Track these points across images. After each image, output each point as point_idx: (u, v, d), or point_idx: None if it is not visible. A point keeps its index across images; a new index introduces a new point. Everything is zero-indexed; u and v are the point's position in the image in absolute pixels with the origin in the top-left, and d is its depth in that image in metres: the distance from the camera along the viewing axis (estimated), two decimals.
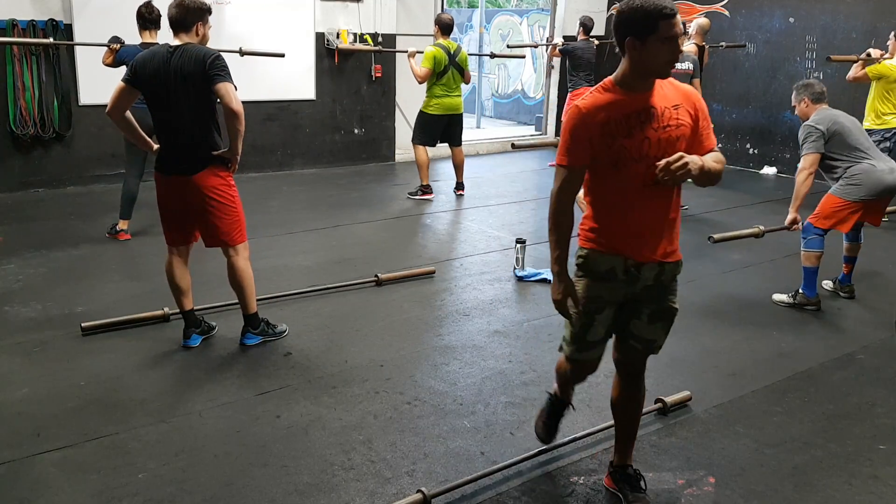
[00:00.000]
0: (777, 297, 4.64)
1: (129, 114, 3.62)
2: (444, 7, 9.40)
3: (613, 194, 2.29)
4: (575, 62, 8.54)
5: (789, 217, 4.47)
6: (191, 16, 3.44)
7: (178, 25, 3.46)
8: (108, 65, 5.28)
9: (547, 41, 10.56)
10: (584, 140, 2.21)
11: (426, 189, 7.06)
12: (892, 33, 6.48)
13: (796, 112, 4.58)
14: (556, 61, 10.11)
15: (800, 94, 4.51)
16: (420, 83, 6.87)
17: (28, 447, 2.83)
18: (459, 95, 7.04)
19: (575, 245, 2.41)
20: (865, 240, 4.83)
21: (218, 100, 3.41)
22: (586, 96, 2.26)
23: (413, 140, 7.09)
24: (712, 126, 2.38)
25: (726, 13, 9.16)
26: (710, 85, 9.07)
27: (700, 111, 2.30)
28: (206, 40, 3.54)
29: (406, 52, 7.22)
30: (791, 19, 8.64)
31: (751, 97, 9.05)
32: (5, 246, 5.23)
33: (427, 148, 7.02)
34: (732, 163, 9.21)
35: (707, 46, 7.33)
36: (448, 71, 6.83)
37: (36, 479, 2.65)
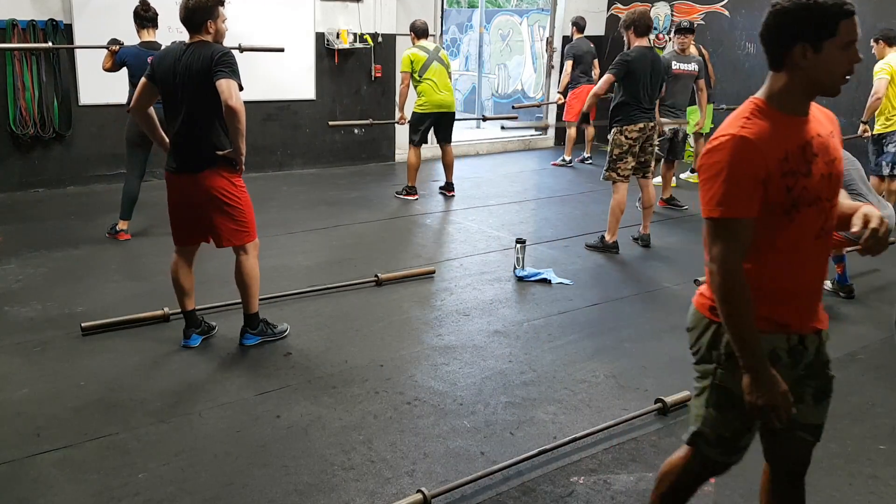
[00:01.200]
0: None
1: (151, 110, 3.65)
2: (444, 7, 9.41)
3: (779, 252, 1.78)
4: (578, 60, 8.78)
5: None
6: (197, 15, 3.43)
7: (188, 26, 3.46)
8: (108, 69, 5.27)
9: (547, 42, 10.56)
10: (756, 181, 1.68)
11: (411, 190, 7.07)
12: (873, 39, 6.49)
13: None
14: (556, 61, 10.11)
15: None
16: (405, 89, 6.91)
17: (28, 447, 2.83)
18: (450, 93, 7.02)
19: (693, 316, 1.97)
20: None
21: None
22: (745, 123, 1.73)
23: (409, 140, 7.12)
24: None
25: (726, 13, 9.16)
26: (710, 85, 9.07)
27: (841, 139, 1.91)
28: (221, 35, 3.52)
29: (397, 121, 7.38)
30: None
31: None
32: (5, 246, 5.22)
33: (421, 151, 7.06)
34: None
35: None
36: (430, 65, 6.82)
37: (36, 479, 2.65)
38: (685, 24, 6.90)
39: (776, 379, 1.75)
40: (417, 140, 6.97)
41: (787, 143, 1.72)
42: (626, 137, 5.42)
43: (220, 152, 3.47)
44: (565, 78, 8.96)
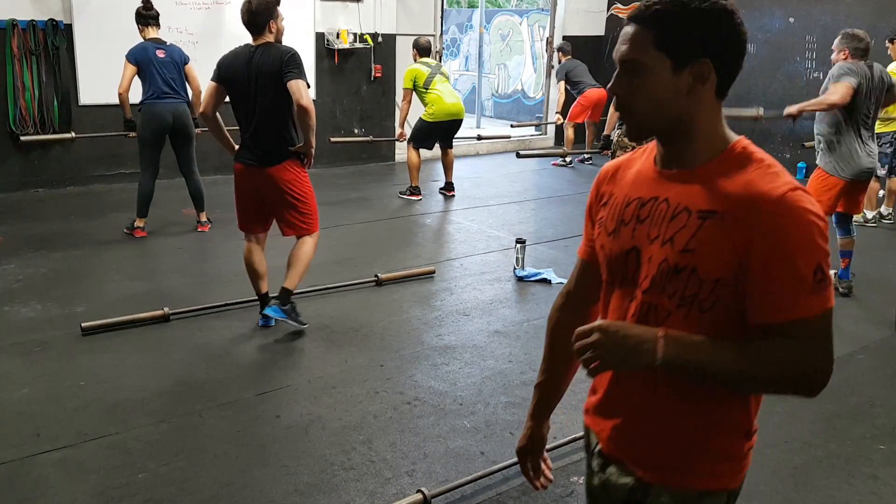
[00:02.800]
0: None
1: (217, 114, 3.76)
2: (444, 7, 9.42)
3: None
4: (573, 80, 8.82)
5: (792, 108, 4.45)
6: (260, 17, 3.58)
7: (251, 28, 3.62)
8: (130, 81, 5.31)
9: (547, 42, 10.56)
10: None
11: (415, 190, 7.08)
12: (887, 40, 6.47)
13: (832, 58, 4.54)
14: (556, 61, 10.10)
15: (843, 43, 4.46)
16: (406, 106, 7.03)
17: (28, 447, 2.83)
18: (458, 100, 7.10)
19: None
20: (864, 239, 4.84)
21: None
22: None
23: (409, 140, 7.12)
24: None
25: None
26: None
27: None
28: (281, 34, 3.69)
29: (398, 138, 7.53)
30: (791, 19, 8.63)
31: (751, 97, 9.03)
32: (5, 246, 5.22)
33: (420, 151, 7.09)
34: None
35: None
36: (433, 78, 6.91)
37: (36, 479, 2.65)
38: None
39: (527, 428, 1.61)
40: (419, 143, 7.02)
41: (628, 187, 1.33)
42: (630, 139, 5.40)
43: (293, 148, 3.68)
44: (560, 98, 9.08)
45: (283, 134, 3.67)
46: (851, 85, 4.27)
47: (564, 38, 9.84)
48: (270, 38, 3.63)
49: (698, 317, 1.19)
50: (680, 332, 1.17)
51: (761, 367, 1.15)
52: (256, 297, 3.94)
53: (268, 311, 3.84)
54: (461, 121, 7.16)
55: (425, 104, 6.98)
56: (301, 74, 3.55)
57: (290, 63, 3.53)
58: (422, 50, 7.08)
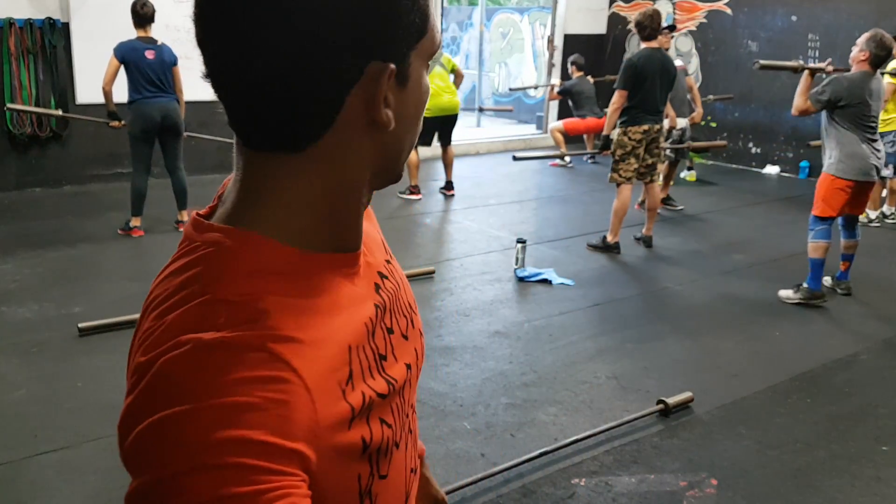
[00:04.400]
0: (783, 293, 4.61)
1: None
2: (444, 5, 9.39)
3: None
4: (575, 99, 8.61)
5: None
6: None
7: None
8: (113, 77, 5.29)
9: (548, 40, 10.54)
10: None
11: (414, 189, 7.06)
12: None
13: (852, 56, 4.46)
14: (557, 60, 10.08)
15: (868, 45, 4.37)
16: None
17: (25, 449, 2.81)
18: (453, 95, 7.03)
19: None
20: (867, 239, 4.81)
21: None
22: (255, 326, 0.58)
23: None
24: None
25: (729, 11, 9.13)
26: (712, 83, 9.06)
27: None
28: None
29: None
30: (793, 17, 8.61)
31: (753, 96, 9.02)
32: (1, 246, 5.20)
33: (420, 149, 7.07)
34: (734, 162, 9.19)
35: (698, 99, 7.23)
36: (433, 69, 6.85)
37: (33, 481, 2.63)
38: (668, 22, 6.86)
39: None
40: (420, 142, 6.97)
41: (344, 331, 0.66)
42: (630, 138, 5.36)
43: None
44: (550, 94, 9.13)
45: None
46: (818, 104, 4.36)
47: (566, 35, 9.81)
48: None
49: None
50: None
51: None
52: None
53: None
54: (456, 116, 7.12)
55: None
56: None
57: None
58: None
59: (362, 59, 0.61)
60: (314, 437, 0.57)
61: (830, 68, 4.60)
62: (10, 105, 6.15)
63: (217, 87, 0.64)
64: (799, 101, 4.44)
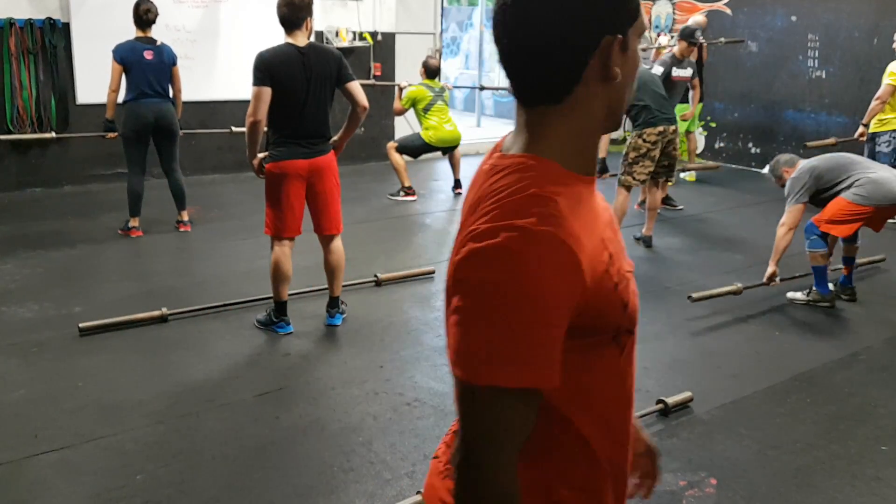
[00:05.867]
0: (791, 294, 4.61)
1: None
2: (444, 5, 9.38)
3: (607, 401, 1.05)
4: None
5: (768, 271, 4.49)
6: (302, 13, 3.62)
7: (290, 24, 3.64)
8: (119, 79, 5.30)
9: None
10: (566, 312, 0.91)
11: (409, 190, 7.05)
12: None
13: (781, 183, 4.61)
14: None
15: (778, 168, 4.60)
16: (395, 115, 7.21)
17: (25, 449, 2.81)
18: (455, 127, 7.14)
19: None
20: (867, 240, 4.81)
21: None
22: (545, 207, 0.91)
23: (394, 141, 7.15)
24: None
25: (728, 11, 9.13)
26: (711, 83, 9.05)
27: None
28: (311, 31, 3.75)
29: (397, 85, 7.52)
30: (793, 17, 8.61)
31: (753, 96, 9.02)
32: (1, 246, 5.20)
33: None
34: (734, 162, 9.19)
35: (706, 43, 7.28)
36: (434, 104, 6.95)
37: (33, 481, 2.63)
38: (698, 34, 6.53)
39: None
40: (406, 151, 7.06)
41: (598, 220, 1.00)
42: (645, 140, 5.34)
43: (332, 140, 3.86)
44: None
45: (327, 129, 3.84)
46: (801, 204, 4.43)
47: None
48: (306, 34, 3.66)
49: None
50: None
51: None
52: (253, 299, 3.91)
53: (335, 322, 4.01)
54: (458, 146, 7.26)
55: (422, 124, 7.04)
56: (354, 76, 3.85)
57: (345, 65, 3.75)
58: (429, 71, 7.11)
59: (600, 33, 0.95)
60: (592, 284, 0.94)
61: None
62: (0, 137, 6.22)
63: (509, 69, 1.00)
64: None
